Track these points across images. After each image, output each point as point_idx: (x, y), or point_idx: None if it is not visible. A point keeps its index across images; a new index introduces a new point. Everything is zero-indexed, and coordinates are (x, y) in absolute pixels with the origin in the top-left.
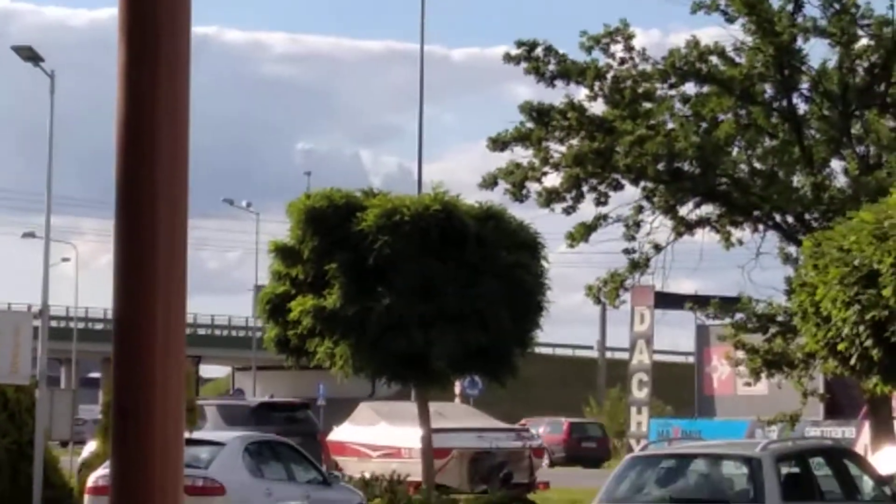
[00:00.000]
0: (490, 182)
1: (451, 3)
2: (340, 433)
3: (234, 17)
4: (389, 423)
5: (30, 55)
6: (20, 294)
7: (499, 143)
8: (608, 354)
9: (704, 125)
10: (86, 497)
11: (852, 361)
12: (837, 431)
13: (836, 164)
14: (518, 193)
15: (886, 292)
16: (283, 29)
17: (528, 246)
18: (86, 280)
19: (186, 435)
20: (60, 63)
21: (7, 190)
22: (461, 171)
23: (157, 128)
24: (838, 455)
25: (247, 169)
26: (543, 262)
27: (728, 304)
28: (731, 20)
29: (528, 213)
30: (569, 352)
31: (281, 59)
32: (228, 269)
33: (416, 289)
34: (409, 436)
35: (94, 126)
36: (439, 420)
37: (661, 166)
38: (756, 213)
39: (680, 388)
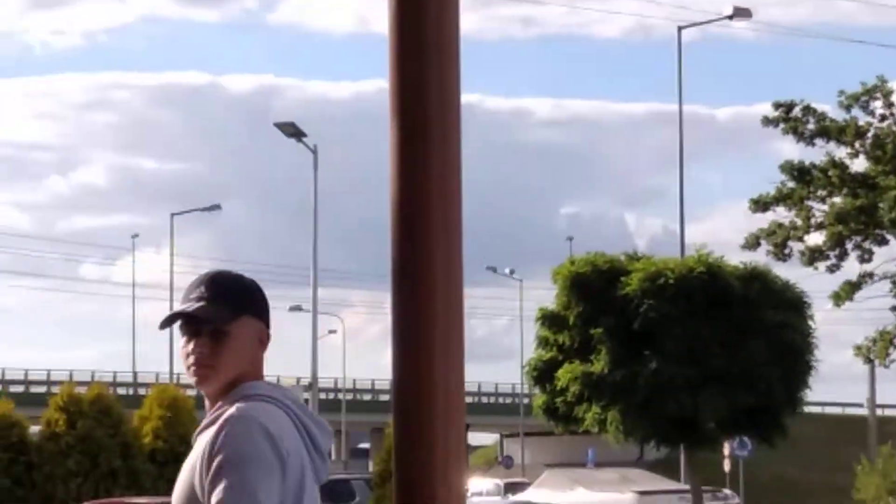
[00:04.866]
0: (752, 243)
1: (715, 64)
2: (529, 497)
3: (497, 84)
4: (587, 489)
5: (293, 131)
6: (289, 367)
7: (760, 205)
8: (878, 412)
9: None
10: None
11: None
12: None
13: None
14: (780, 253)
15: None
16: (545, 94)
17: (794, 305)
18: (353, 351)
19: None
20: (324, 137)
21: (274, 264)
22: (726, 230)
23: (430, 201)
24: None
25: (510, 235)
26: (810, 322)
27: None
28: None
29: (790, 273)
30: (838, 410)
31: (544, 124)
32: (495, 336)
33: (683, 351)
34: (616, 501)
35: (359, 198)
36: (630, 484)
37: None
38: None
39: None
